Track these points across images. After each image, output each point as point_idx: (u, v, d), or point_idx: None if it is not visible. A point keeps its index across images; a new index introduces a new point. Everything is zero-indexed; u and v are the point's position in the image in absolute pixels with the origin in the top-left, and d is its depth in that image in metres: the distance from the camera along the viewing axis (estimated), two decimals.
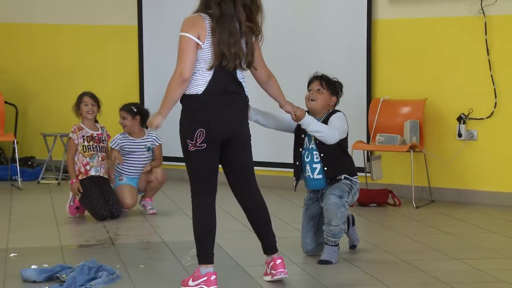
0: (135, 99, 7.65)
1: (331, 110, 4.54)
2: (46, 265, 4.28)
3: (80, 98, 5.88)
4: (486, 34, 6.26)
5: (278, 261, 4.05)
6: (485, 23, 6.24)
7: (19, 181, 7.16)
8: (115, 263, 4.41)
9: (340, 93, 4.62)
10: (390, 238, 5.25)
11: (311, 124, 4.29)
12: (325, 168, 4.48)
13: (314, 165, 4.51)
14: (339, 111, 4.56)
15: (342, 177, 4.48)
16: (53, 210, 6.03)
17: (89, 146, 5.75)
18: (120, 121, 5.94)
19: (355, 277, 4.30)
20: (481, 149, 6.37)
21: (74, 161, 5.76)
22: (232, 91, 3.86)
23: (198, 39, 3.76)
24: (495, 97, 6.28)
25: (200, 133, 3.79)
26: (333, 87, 4.56)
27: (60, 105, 8.05)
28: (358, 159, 6.47)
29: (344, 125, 4.47)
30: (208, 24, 3.78)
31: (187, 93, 3.81)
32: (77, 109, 5.86)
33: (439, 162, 6.47)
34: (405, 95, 6.59)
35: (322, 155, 4.47)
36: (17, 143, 7.41)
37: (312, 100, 4.52)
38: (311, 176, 4.54)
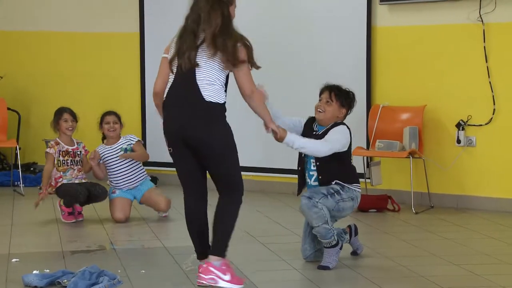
0: (137, 106, 7.70)
1: (336, 122, 4.52)
2: (47, 271, 4.31)
3: (59, 114, 6.01)
4: (484, 41, 6.30)
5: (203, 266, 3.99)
6: (484, 30, 6.28)
7: (21, 187, 7.20)
8: (116, 268, 4.43)
9: (352, 103, 4.59)
10: (390, 243, 5.27)
11: (295, 142, 4.24)
12: (320, 177, 4.49)
13: (311, 172, 4.53)
14: (343, 124, 4.53)
15: (333, 183, 4.46)
16: (55, 215, 6.06)
17: (63, 161, 5.89)
18: (109, 126, 5.92)
19: (355, 282, 4.32)
20: (480, 155, 6.41)
21: (50, 174, 5.86)
22: (186, 96, 3.90)
23: (166, 53, 4.02)
24: (494, 104, 6.32)
25: (165, 138, 4.03)
26: (344, 99, 4.53)
27: None
28: (358, 165, 6.48)
29: (343, 138, 4.44)
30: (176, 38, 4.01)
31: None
32: (55, 124, 6.00)
33: (438, 168, 6.50)
34: (405, 101, 6.62)
35: (317, 163, 4.48)
36: (19, 149, 7.45)
37: (319, 111, 4.51)
38: (309, 183, 4.57)
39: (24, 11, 8.22)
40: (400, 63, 6.68)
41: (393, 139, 6.35)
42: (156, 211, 5.99)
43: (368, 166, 6.54)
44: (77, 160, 5.94)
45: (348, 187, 4.49)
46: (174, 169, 4.13)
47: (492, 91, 6.31)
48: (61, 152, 5.90)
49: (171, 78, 3.98)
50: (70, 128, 5.96)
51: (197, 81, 3.89)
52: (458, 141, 6.45)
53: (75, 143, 6.00)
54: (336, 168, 4.48)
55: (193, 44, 3.89)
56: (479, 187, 6.41)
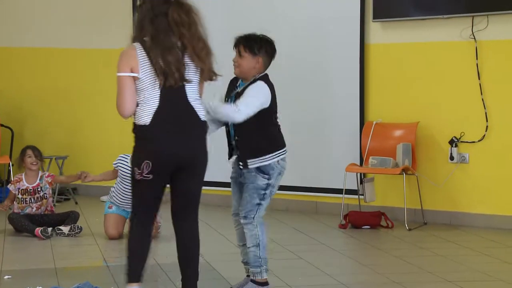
0: (132, 121, 7.69)
1: (257, 76, 4.12)
2: (40, 287, 4.29)
3: (23, 151, 6.20)
4: (477, 58, 6.34)
5: None
6: (476, 48, 6.32)
7: (15, 204, 7.15)
8: (109, 284, 4.42)
9: (267, 48, 4.12)
10: (383, 259, 5.27)
11: (210, 105, 3.90)
12: (238, 152, 4.14)
13: (233, 142, 4.18)
14: (262, 78, 4.12)
15: (254, 170, 4.10)
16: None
17: (22, 199, 6.05)
18: None
19: None
20: (473, 172, 6.42)
21: (9, 205, 6.12)
22: (182, 117, 3.65)
23: (132, 71, 3.62)
24: (486, 121, 6.34)
25: (146, 165, 3.63)
26: (255, 47, 4.10)
27: (56, 128, 8.09)
28: (351, 182, 6.52)
29: (260, 95, 4.04)
30: (140, 53, 3.62)
31: (136, 123, 3.68)
32: (20, 161, 6.16)
33: (431, 185, 6.51)
34: (398, 118, 6.65)
35: (237, 138, 4.13)
36: (12, 165, 7.44)
37: (234, 67, 4.14)
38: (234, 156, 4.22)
39: (18, 27, 8.24)
40: (393, 80, 6.71)
41: (386, 156, 6.37)
42: None
43: (361, 182, 6.54)
44: (37, 197, 6.07)
45: (272, 165, 4.10)
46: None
47: (484, 108, 6.34)
48: (20, 190, 6.05)
49: (153, 100, 3.62)
50: (34, 163, 6.09)
51: (190, 101, 3.67)
52: (451, 158, 6.47)
53: (38, 178, 6.10)
54: (256, 143, 4.10)
55: (180, 58, 3.61)
56: (472, 203, 6.42)
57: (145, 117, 3.64)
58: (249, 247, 4.15)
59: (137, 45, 3.65)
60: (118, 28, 7.86)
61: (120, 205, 5.87)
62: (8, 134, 7.92)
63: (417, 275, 4.77)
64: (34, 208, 6.04)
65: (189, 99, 3.67)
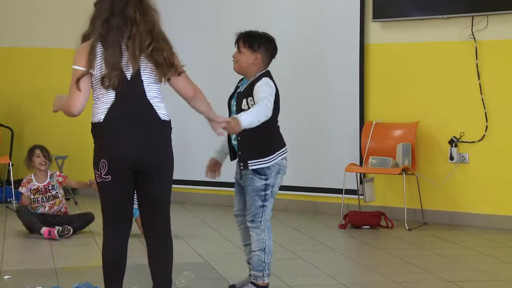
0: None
1: (259, 74, 4.09)
2: (40, 287, 4.29)
3: (31, 151, 6.18)
4: (476, 58, 6.34)
5: None
6: (476, 48, 6.32)
7: (14, 204, 7.17)
8: None
9: (267, 45, 4.11)
10: (383, 260, 5.27)
11: (252, 124, 3.84)
12: (240, 152, 4.11)
13: (234, 141, 4.16)
14: (266, 75, 4.09)
15: (251, 171, 4.06)
16: None
17: (34, 199, 6.04)
18: None
19: None
20: (473, 172, 6.42)
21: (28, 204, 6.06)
22: (138, 114, 3.47)
23: (88, 66, 3.47)
24: (486, 121, 6.34)
25: (103, 164, 3.49)
26: (254, 43, 4.10)
27: (55, 128, 8.08)
28: (351, 182, 6.52)
29: (269, 89, 4.01)
30: (99, 47, 3.48)
31: (92, 121, 3.56)
32: (29, 161, 6.15)
33: (431, 185, 6.51)
34: (397, 118, 6.65)
35: (239, 138, 4.09)
36: (12, 165, 7.44)
37: (234, 62, 4.14)
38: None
39: (17, 27, 8.24)
40: (392, 80, 6.71)
41: (386, 156, 6.37)
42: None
43: (361, 182, 6.54)
44: (48, 196, 6.06)
45: (271, 165, 4.07)
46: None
47: (484, 108, 6.34)
48: (32, 191, 6.05)
49: (108, 97, 3.49)
50: (43, 163, 6.09)
51: (148, 98, 3.49)
52: (451, 158, 6.47)
53: (48, 177, 6.10)
54: (258, 144, 4.06)
55: (135, 55, 3.45)
56: (472, 203, 6.42)
57: (100, 114, 3.51)
58: (254, 250, 4.11)
59: (96, 40, 3.52)
60: None
61: None
62: (8, 134, 7.92)
63: (417, 275, 4.77)
64: (47, 207, 6.02)
65: (148, 97, 3.49)
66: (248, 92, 4.04)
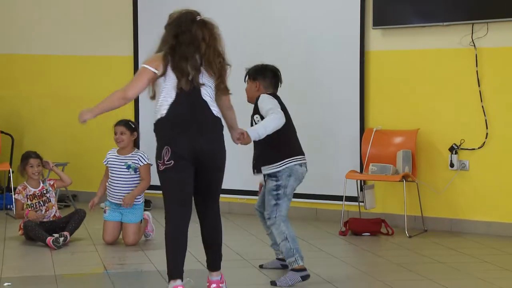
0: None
1: (258, 96, 4.68)
2: None
3: (25, 159, 6.20)
4: (477, 65, 6.35)
5: (213, 285, 4.23)
6: (476, 55, 6.33)
7: (14, 210, 7.17)
8: None
9: (261, 72, 4.77)
10: (383, 267, 5.27)
11: (262, 135, 4.43)
12: (254, 162, 4.72)
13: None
14: (262, 95, 4.67)
15: (266, 175, 4.66)
16: None
17: (31, 205, 6.08)
18: (116, 137, 6.00)
19: None
20: (473, 179, 6.43)
21: (22, 214, 6.05)
22: (196, 111, 4.04)
23: (156, 69, 4.04)
24: (487, 128, 6.35)
25: (166, 151, 3.98)
26: (253, 74, 4.78)
27: (56, 135, 8.10)
28: (352, 189, 6.53)
29: (269, 102, 4.60)
30: (170, 57, 4.06)
31: (154, 121, 4.07)
32: (22, 169, 6.18)
33: (431, 192, 6.52)
34: (398, 125, 6.66)
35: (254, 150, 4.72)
36: (12, 172, 7.45)
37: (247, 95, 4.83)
38: None
39: (19, 34, 8.26)
40: (393, 87, 6.72)
41: (386, 163, 6.37)
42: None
43: (361, 189, 6.55)
44: (44, 199, 6.10)
45: (281, 169, 4.61)
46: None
47: (485, 115, 6.35)
48: (28, 196, 6.09)
49: (170, 96, 4.04)
50: (36, 173, 6.14)
51: (204, 98, 4.07)
52: (451, 165, 6.47)
53: (41, 183, 6.16)
54: (264, 154, 4.65)
55: (197, 65, 4.06)
56: (473, 210, 6.42)
57: (162, 110, 4.03)
58: (279, 243, 4.60)
59: (166, 53, 4.09)
60: (119, 36, 7.90)
61: (111, 199, 5.93)
62: (8, 141, 7.93)
63: (417, 282, 4.76)
64: (43, 211, 6.05)
65: (203, 97, 4.06)
66: (254, 111, 4.65)
